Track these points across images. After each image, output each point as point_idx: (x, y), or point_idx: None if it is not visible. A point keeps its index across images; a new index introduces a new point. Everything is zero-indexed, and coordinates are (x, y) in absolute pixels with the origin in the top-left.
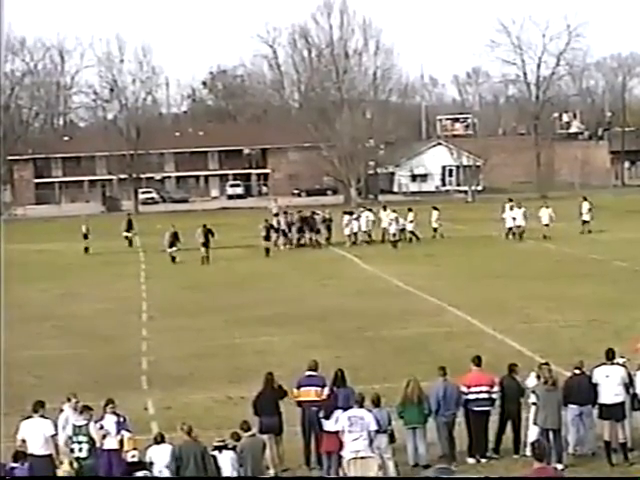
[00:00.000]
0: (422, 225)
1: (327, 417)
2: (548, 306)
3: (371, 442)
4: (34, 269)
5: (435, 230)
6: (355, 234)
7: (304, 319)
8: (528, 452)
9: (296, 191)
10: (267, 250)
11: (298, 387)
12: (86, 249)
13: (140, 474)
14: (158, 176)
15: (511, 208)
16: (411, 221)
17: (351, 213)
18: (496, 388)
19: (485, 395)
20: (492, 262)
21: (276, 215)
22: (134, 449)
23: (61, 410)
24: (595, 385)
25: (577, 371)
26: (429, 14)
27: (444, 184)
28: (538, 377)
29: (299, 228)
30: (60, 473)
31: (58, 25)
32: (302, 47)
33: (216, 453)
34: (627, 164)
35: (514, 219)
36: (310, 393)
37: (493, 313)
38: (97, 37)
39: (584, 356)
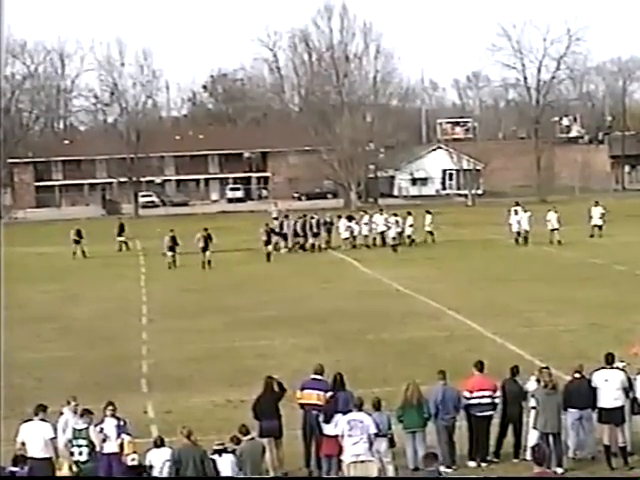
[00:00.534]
0: (417, 229)
1: (327, 421)
2: (548, 310)
3: (371, 446)
4: (34, 271)
5: (431, 234)
6: (354, 237)
7: (304, 322)
8: (528, 456)
9: (296, 195)
10: (268, 255)
11: (302, 389)
12: (74, 253)
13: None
14: (158, 179)
15: (516, 212)
16: (411, 225)
17: (350, 217)
18: (498, 393)
19: (488, 400)
20: (492, 266)
21: (276, 219)
22: (134, 452)
23: (61, 413)
24: (594, 389)
25: (577, 375)
26: (429, 18)
27: (444, 188)
28: (538, 381)
29: (297, 232)
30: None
31: (59, 28)
32: (302, 51)
33: (216, 457)
34: (627, 168)
35: (519, 223)
36: (312, 396)
37: (493, 316)
38: (97, 41)
39: (584, 360)
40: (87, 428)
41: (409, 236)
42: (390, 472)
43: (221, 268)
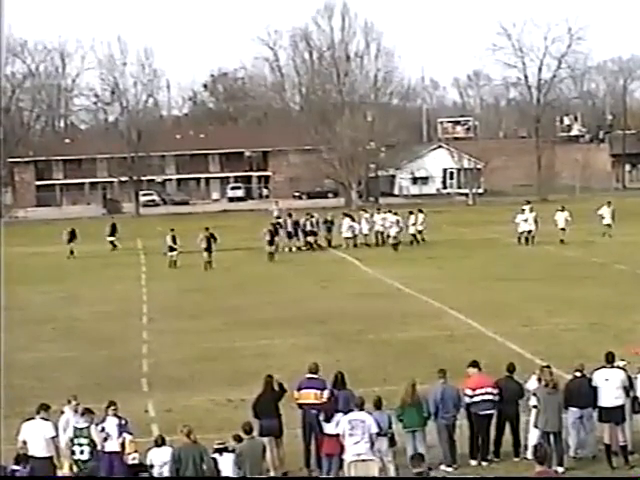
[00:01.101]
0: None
1: (328, 420)
2: (549, 309)
3: (372, 445)
4: (35, 271)
5: (420, 232)
6: (355, 236)
7: (304, 322)
8: (529, 455)
9: (297, 194)
10: (271, 255)
11: (298, 389)
12: (71, 252)
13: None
14: (159, 178)
15: (522, 211)
16: (414, 223)
17: (351, 217)
18: (496, 391)
19: (490, 397)
20: (493, 265)
21: (277, 218)
22: (135, 452)
23: (62, 412)
24: (595, 388)
25: (578, 374)
26: (430, 17)
27: (445, 187)
28: (539, 380)
29: (298, 231)
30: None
31: (59, 27)
32: (303, 50)
33: (217, 456)
34: (628, 167)
35: (526, 222)
36: (310, 396)
37: (494, 316)
38: (98, 40)
39: (585, 359)
40: (88, 427)
41: (413, 234)
42: (391, 471)
43: (222, 268)
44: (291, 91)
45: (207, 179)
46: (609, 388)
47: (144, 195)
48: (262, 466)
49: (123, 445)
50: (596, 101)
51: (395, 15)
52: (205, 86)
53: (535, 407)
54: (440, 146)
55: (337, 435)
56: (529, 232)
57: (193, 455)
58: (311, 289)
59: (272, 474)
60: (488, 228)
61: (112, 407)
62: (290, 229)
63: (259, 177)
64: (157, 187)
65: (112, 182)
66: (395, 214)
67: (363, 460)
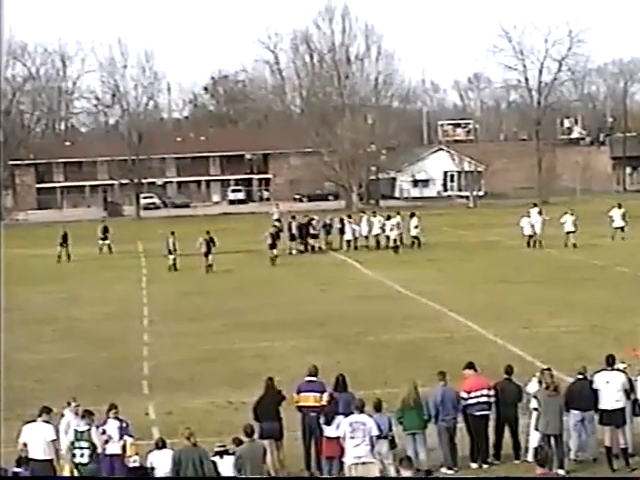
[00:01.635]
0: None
1: (328, 422)
2: (549, 311)
3: (372, 447)
4: (35, 273)
5: (416, 239)
6: (356, 239)
7: (304, 324)
8: (530, 457)
9: (297, 196)
10: (273, 259)
11: (298, 392)
12: (59, 256)
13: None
14: (160, 181)
15: (528, 214)
16: (416, 226)
17: (350, 217)
18: (492, 392)
19: (485, 399)
20: (493, 267)
21: (278, 220)
22: (136, 454)
23: (62, 415)
24: (595, 391)
25: (580, 376)
26: (431, 19)
27: (446, 189)
28: (540, 382)
29: (300, 234)
30: None
31: (59, 30)
32: (304, 52)
33: (217, 458)
34: (629, 170)
35: (533, 226)
36: (309, 399)
37: (494, 318)
38: (98, 42)
39: (585, 361)
40: (89, 430)
41: (415, 237)
42: (391, 473)
43: (222, 270)
44: (291, 94)
45: (208, 182)
46: (610, 391)
47: (145, 198)
48: (263, 469)
49: (124, 448)
50: (597, 104)
51: (395, 18)
52: (206, 89)
53: (536, 410)
54: (441, 149)
55: (337, 438)
56: (531, 236)
57: (193, 458)
58: (311, 291)
59: (272, 477)
60: (489, 230)
61: (113, 410)
62: (295, 232)
63: (260, 180)
64: (158, 190)
65: (113, 185)
66: (389, 217)
67: (363, 463)
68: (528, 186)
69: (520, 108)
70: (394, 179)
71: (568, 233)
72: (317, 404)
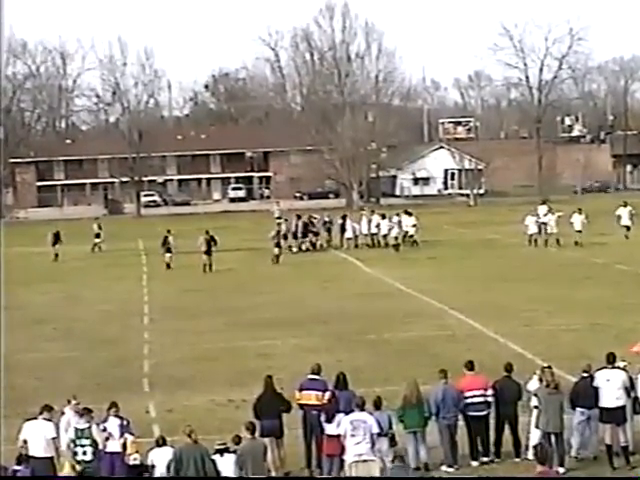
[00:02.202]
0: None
1: (329, 420)
2: (550, 309)
3: (373, 445)
4: (36, 272)
5: (410, 236)
6: (356, 237)
7: (305, 322)
8: (530, 455)
9: (298, 194)
10: (277, 257)
11: (300, 390)
12: (56, 255)
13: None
14: (160, 179)
15: (535, 213)
16: (414, 225)
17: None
18: (490, 391)
19: (480, 399)
20: (494, 265)
21: (278, 218)
22: (136, 452)
23: (62, 413)
24: (596, 389)
25: (585, 375)
26: (431, 17)
27: (446, 187)
28: (540, 380)
29: (302, 233)
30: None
31: (59, 28)
32: (304, 50)
33: (217, 456)
34: (629, 167)
35: (543, 225)
36: (311, 397)
37: (495, 316)
38: (99, 40)
39: (586, 359)
40: (89, 427)
41: (411, 236)
42: None
43: (223, 268)
44: (292, 91)
45: (208, 179)
46: (610, 389)
47: (145, 196)
48: (264, 466)
49: (125, 445)
50: (597, 101)
51: (396, 16)
52: (206, 86)
53: (536, 407)
54: (441, 147)
55: (338, 436)
56: (532, 235)
57: (194, 455)
58: (312, 289)
59: (273, 474)
60: (489, 229)
61: (114, 408)
62: (299, 230)
63: (260, 177)
64: (158, 188)
65: (113, 183)
66: (397, 214)
67: (364, 460)
68: (528, 184)
69: (521, 106)
70: (395, 177)
71: (577, 232)
72: (319, 402)
